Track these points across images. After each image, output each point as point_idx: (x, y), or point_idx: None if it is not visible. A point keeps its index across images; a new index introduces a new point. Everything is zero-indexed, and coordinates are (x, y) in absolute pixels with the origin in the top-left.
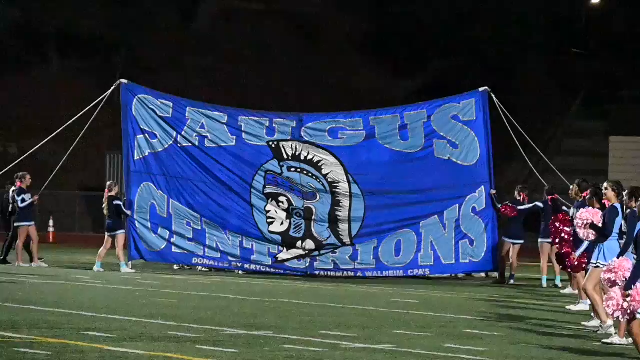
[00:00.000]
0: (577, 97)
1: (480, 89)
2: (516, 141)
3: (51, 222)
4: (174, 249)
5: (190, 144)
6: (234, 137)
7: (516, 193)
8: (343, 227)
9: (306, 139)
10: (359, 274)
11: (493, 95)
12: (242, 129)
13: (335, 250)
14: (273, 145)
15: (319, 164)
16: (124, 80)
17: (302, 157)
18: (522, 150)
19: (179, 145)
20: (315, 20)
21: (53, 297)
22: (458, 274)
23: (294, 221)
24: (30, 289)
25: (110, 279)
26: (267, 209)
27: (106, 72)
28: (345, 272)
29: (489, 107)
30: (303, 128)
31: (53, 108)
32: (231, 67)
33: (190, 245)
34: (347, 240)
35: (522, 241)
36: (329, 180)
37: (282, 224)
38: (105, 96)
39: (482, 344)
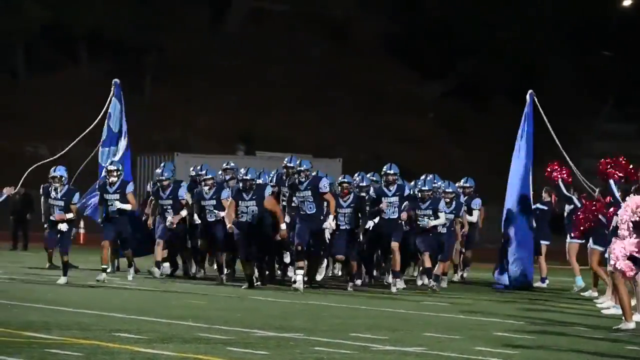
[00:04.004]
0: (609, 99)
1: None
2: (558, 143)
3: (82, 224)
4: None
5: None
6: None
7: (545, 195)
8: None
9: None
10: None
11: (535, 98)
12: None
13: None
14: None
15: None
16: (117, 80)
17: None
18: (565, 155)
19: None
20: (343, 22)
21: (83, 298)
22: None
23: None
24: (60, 290)
25: (140, 281)
26: None
27: (136, 73)
28: None
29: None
30: None
31: (83, 109)
32: (260, 69)
33: None
34: None
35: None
36: None
37: None
38: (111, 98)
39: (513, 347)
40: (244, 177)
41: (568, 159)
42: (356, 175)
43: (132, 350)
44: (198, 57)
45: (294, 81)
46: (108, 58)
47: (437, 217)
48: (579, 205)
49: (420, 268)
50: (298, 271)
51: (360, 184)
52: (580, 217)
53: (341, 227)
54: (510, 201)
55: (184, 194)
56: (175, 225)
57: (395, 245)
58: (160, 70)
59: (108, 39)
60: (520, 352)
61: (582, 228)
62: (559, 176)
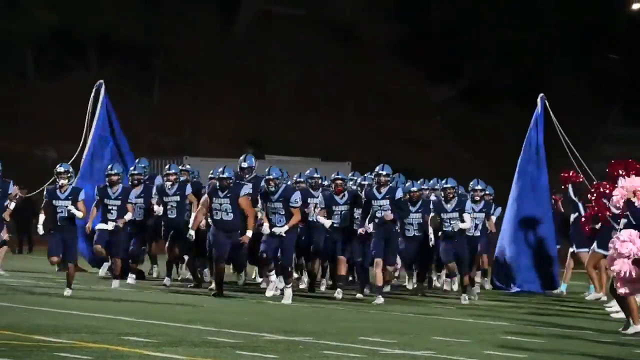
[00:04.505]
0: (616, 103)
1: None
2: (571, 148)
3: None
4: None
5: None
6: None
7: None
8: None
9: None
10: None
11: (546, 102)
12: None
13: None
14: None
15: None
16: (101, 81)
17: None
18: (577, 156)
19: None
20: (351, 25)
21: (92, 302)
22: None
23: None
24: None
25: (148, 286)
26: None
27: (144, 76)
28: None
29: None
30: None
31: (92, 113)
32: (268, 71)
33: None
34: None
35: None
36: None
37: None
38: (90, 100)
39: (522, 351)
40: (221, 176)
41: (582, 162)
42: (350, 174)
43: (141, 354)
44: (206, 60)
45: (302, 84)
46: (116, 61)
47: (462, 220)
48: (583, 212)
49: (443, 275)
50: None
51: (362, 183)
52: (591, 210)
53: (335, 226)
54: (526, 210)
55: (134, 197)
56: (121, 226)
57: (378, 261)
58: (168, 73)
59: (116, 42)
60: (528, 356)
61: (590, 223)
62: (570, 181)
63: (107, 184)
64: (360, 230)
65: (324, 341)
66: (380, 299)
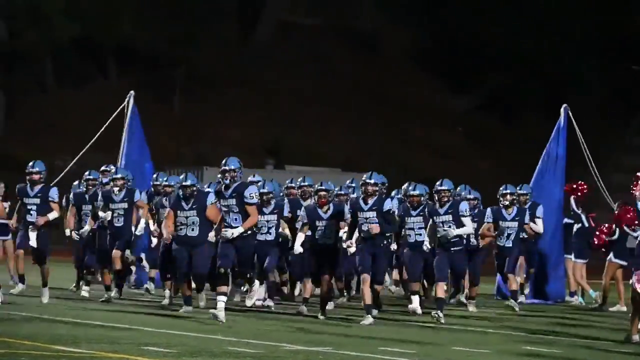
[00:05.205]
0: (638, 113)
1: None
2: (591, 161)
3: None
4: None
5: None
6: None
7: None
8: None
9: None
10: None
11: (570, 113)
12: None
13: None
14: None
15: None
16: (132, 92)
17: None
18: (595, 170)
19: None
20: (373, 35)
21: (112, 312)
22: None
23: None
24: (88, 304)
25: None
26: None
27: (165, 86)
28: None
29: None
30: None
31: (112, 122)
32: (289, 82)
33: None
34: None
35: None
36: None
37: None
38: (123, 107)
39: None
40: (184, 184)
41: (597, 175)
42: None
43: None
44: (227, 70)
45: (322, 94)
46: (137, 71)
47: (460, 225)
48: (587, 224)
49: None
50: (220, 297)
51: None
52: (604, 230)
53: (319, 242)
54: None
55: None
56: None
57: (365, 277)
58: (189, 84)
59: (137, 52)
60: None
61: (602, 242)
62: (573, 194)
63: (28, 183)
64: (346, 244)
65: (343, 351)
66: (369, 319)
